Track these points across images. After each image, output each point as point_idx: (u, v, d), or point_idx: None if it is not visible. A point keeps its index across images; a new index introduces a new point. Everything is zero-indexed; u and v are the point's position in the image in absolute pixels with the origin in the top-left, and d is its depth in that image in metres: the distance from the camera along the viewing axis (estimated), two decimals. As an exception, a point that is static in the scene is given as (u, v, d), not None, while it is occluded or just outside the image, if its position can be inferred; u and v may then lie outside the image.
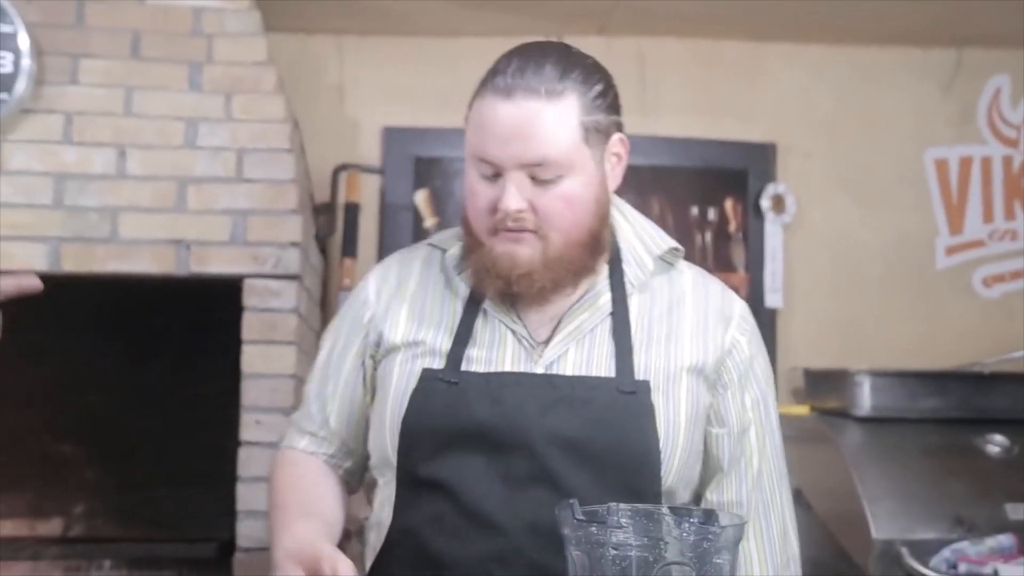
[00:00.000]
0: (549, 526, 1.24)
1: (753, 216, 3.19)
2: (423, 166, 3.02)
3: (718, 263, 3.16)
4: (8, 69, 2.46)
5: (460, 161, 2.97)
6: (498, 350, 1.41)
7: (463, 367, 1.40)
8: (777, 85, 3.23)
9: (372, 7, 2.92)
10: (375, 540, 1.44)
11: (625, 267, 1.46)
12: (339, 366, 1.54)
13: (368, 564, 1.46)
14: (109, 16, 2.60)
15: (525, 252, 1.34)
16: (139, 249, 2.49)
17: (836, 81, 3.24)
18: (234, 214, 2.51)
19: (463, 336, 1.42)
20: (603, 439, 1.36)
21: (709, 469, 1.46)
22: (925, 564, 2.30)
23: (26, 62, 2.46)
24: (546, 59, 1.34)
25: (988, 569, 2.29)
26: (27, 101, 2.48)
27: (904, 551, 2.33)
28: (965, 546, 2.32)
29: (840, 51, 3.22)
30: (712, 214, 3.20)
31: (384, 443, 1.43)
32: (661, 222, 2.93)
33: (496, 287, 1.37)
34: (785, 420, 2.75)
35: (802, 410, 2.88)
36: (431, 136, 3.04)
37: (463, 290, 1.45)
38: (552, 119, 1.30)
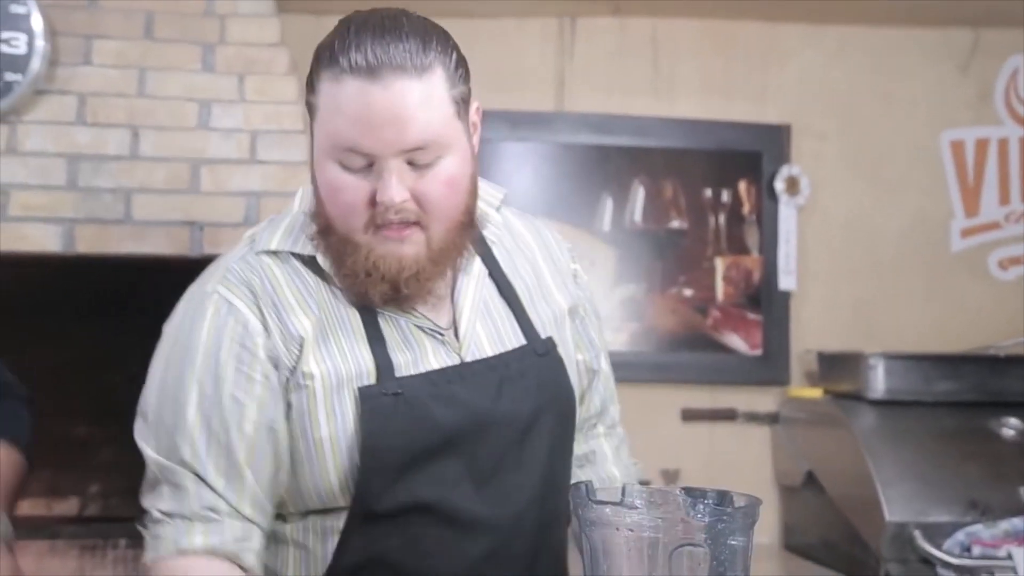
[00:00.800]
0: (532, 513, 1.32)
1: (767, 198, 3.16)
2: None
3: (732, 245, 3.16)
4: (22, 50, 2.46)
5: None
6: (417, 349, 1.36)
7: (397, 374, 1.34)
8: (791, 66, 3.21)
9: None
10: (312, 567, 1.37)
11: (483, 229, 1.44)
12: (236, 420, 1.33)
13: None
14: (123, -1, 2.66)
15: (410, 251, 1.29)
16: (153, 230, 2.48)
17: (851, 62, 3.22)
18: (248, 195, 2.51)
19: (378, 344, 1.35)
20: (544, 404, 1.37)
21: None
22: (938, 547, 2.32)
23: (40, 43, 2.45)
24: (401, 30, 1.25)
25: (1002, 552, 2.29)
26: (41, 82, 2.48)
27: (917, 534, 2.34)
28: (979, 529, 2.34)
29: (855, 32, 3.20)
30: (726, 196, 3.17)
31: (326, 482, 1.33)
32: (675, 204, 3.14)
33: (381, 292, 1.30)
34: (798, 403, 3.11)
35: (815, 393, 2.92)
36: None
37: (346, 296, 1.37)
38: (425, 97, 1.23)
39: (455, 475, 1.32)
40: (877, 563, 2.44)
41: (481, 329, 1.39)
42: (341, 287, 1.35)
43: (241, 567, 1.28)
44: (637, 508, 1.11)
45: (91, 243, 2.47)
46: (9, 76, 2.45)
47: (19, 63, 2.46)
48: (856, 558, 2.55)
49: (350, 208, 1.25)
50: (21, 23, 2.46)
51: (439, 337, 1.35)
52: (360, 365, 1.31)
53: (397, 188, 1.21)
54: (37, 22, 2.45)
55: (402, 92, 1.20)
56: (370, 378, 1.30)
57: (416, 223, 1.26)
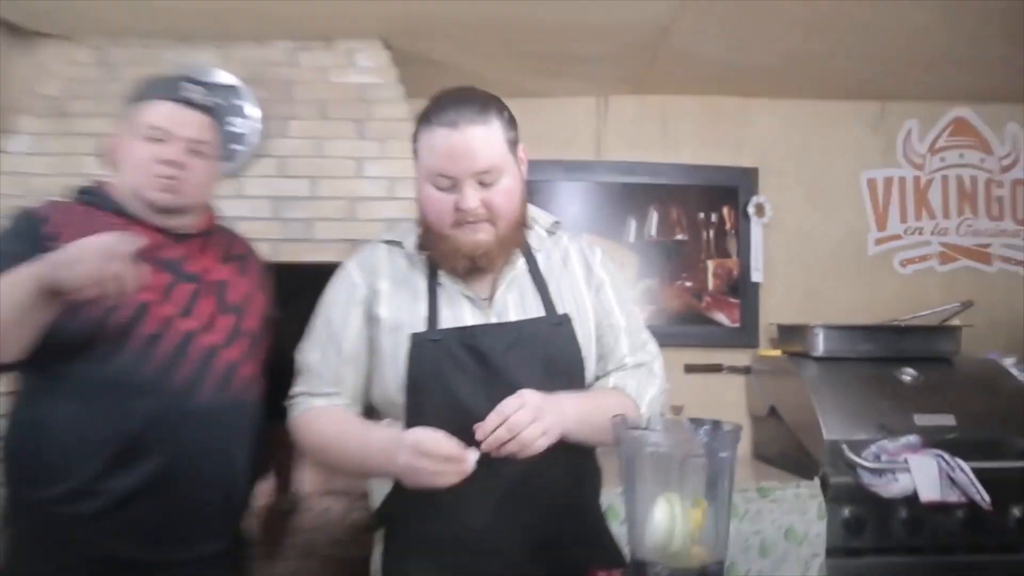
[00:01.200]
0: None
1: (743, 219, 3.28)
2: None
3: (718, 251, 3.27)
4: (244, 130, 2.68)
5: (535, 182, 3.08)
6: (458, 310, 1.46)
7: (439, 326, 1.43)
8: (758, 127, 3.34)
9: (479, 78, 2.68)
10: None
11: (529, 239, 1.53)
12: (342, 337, 1.49)
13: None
14: (307, 92, 2.78)
15: (483, 237, 1.40)
16: (326, 246, 2.66)
17: (799, 124, 3.35)
18: (387, 221, 2.65)
19: (433, 304, 1.45)
20: (548, 359, 1.45)
21: (604, 345, 1.54)
22: (859, 455, 2.50)
23: (255, 125, 2.68)
24: (469, 98, 1.40)
25: (901, 458, 2.46)
26: (256, 149, 2.70)
27: (845, 447, 2.53)
28: (886, 444, 2.50)
29: (802, 103, 3.34)
30: (714, 217, 3.28)
31: (389, 390, 1.46)
32: (678, 224, 3.20)
33: (463, 265, 1.42)
34: (765, 360, 3.16)
35: (776, 353, 3.07)
36: None
37: (423, 271, 1.49)
38: (487, 137, 1.37)
39: (473, 399, 1.39)
40: (817, 467, 2.57)
41: (510, 302, 1.47)
42: (422, 264, 1.49)
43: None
44: (657, 432, 1.24)
45: (288, 255, 2.62)
46: (235, 147, 2.64)
47: (243, 139, 2.67)
48: (803, 464, 2.66)
49: (441, 214, 1.40)
50: (243, 113, 2.67)
51: (477, 303, 1.47)
52: (415, 316, 1.45)
53: (472, 198, 1.37)
54: (253, 111, 2.68)
55: (473, 135, 1.36)
56: (422, 326, 1.44)
57: (487, 220, 1.40)
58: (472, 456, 1.27)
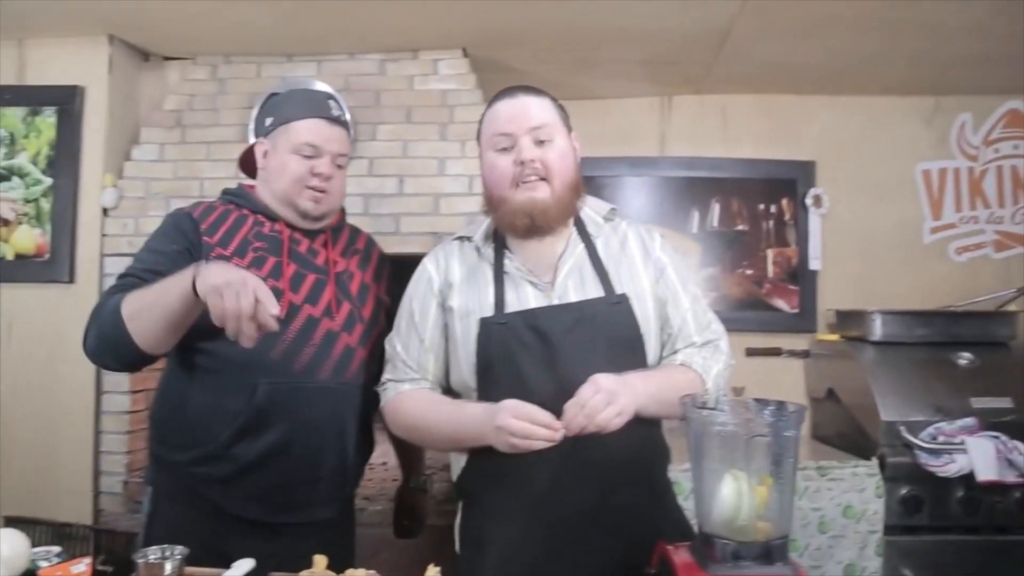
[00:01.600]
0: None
1: (801, 209, 3.22)
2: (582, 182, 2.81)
3: (778, 241, 3.22)
4: None
5: (603, 177, 3.17)
6: (522, 294, 1.45)
7: (505, 311, 1.43)
8: (816, 122, 3.28)
9: (550, 82, 2.78)
10: None
11: (587, 226, 1.52)
12: (423, 326, 1.51)
13: (467, 453, 1.47)
14: (394, 99, 2.82)
15: (541, 194, 1.40)
16: (412, 238, 2.69)
17: (854, 119, 3.26)
18: (467, 215, 2.68)
19: (499, 291, 1.45)
20: (608, 337, 1.42)
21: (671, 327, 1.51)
22: (916, 436, 2.44)
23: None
24: (527, 86, 1.47)
25: (957, 439, 2.40)
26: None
27: (902, 428, 2.46)
28: (943, 425, 2.45)
29: (856, 99, 3.25)
30: (774, 208, 3.23)
31: (463, 374, 1.46)
32: (739, 215, 3.18)
33: (523, 223, 1.42)
34: (823, 344, 3.02)
35: (834, 337, 2.99)
36: (587, 162, 2.49)
37: (490, 261, 1.49)
38: (540, 103, 1.43)
39: (540, 377, 1.39)
40: (876, 447, 2.50)
41: (571, 284, 1.46)
42: (489, 256, 1.49)
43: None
44: (724, 411, 1.19)
45: (413, 248, 2.57)
46: None
47: None
48: (861, 444, 2.60)
49: (502, 173, 1.42)
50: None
51: (539, 287, 1.46)
52: (484, 302, 1.45)
53: (529, 150, 1.39)
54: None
55: (527, 99, 1.42)
56: (490, 311, 1.44)
57: (543, 179, 1.41)
58: (562, 429, 1.27)
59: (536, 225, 1.43)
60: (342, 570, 1.30)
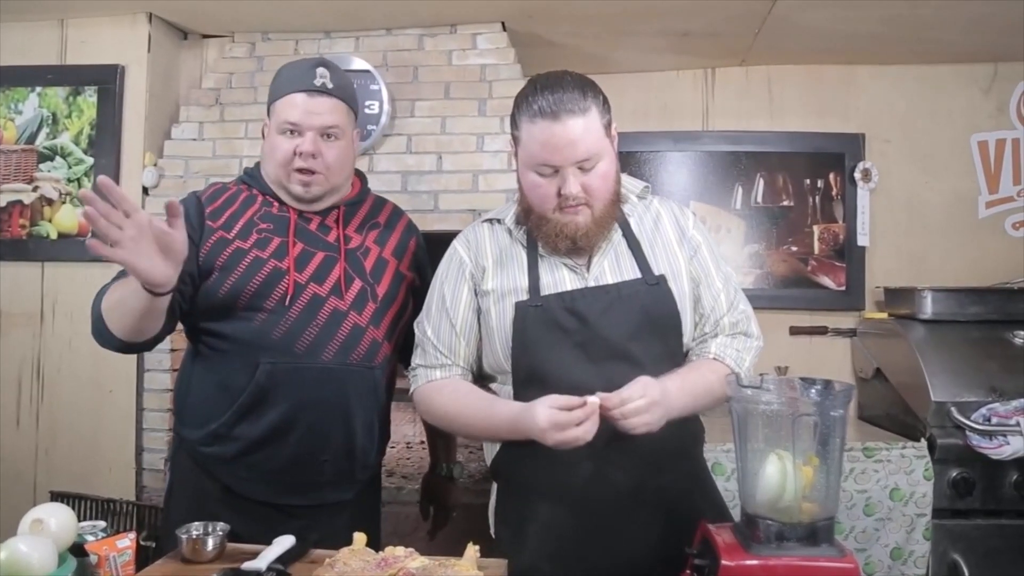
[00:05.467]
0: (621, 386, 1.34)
1: (849, 184, 3.16)
2: (622, 157, 2.69)
3: (824, 217, 3.17)
4: (376, 111, 2.74)
5: (645, 153, 3.16)
6: (558, 277, 1.45)
7: (541, 293, 1.43)
8: (864, 93, 3.21)
9: (590, 56, 3.04)
10: None
11: (621, 206, 1.50)
12: (454, 310, 1.50)
13: None
14: (432, 74, 2.82)
15: (582, 220, 1.40)
16: (451, 215, 2.70)
17: (905, 89, 3.20)
18: (506, 192, 2.65)
19: (534, 274, 1.45)
20: (645, 319, 1.43)
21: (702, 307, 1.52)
22: (968, 418, 2.39)
23: (386, 106, 2.73)
24: (567, 86, 1.37)
25: (1012, 421, 2.34)
26: (386, 129, 2.75)
27: (953, 409, 2.41)
28: (997, 406, 2.39)
29: (907, 68, 3.19)
30: (820, 183, 3.18)
31: (499, 357, 1.46)
32: (784, 190, 3.14)
33: (565, 246, 1.42)
34: (871, 322, 2.97)
35: (883, 315, 2.95)
36: (628, 137, 2.75)
37: (523, 243, 1.49)
38: (586, 127, 1.35)
39: (576, 359, 1.40)
40: (925, 429, 2.47)
41: (606, 265, 1.46)
42: (521, 239, 1.49)
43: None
44: (770, 391, 1.16)
45: (416, 224, 2.54)
46: (370, 127, 2.71)
47: (375, 119, 2.73)
48: (909, 425, 2.57)
49: (544, 198, 1.40)
50: (376, 95, 2.73)
51: (575, 269, 1.46)
52: (518, 285, 1.45)
53: (574, 185, 1.37)
54: (384, 94, 2.73)
55: (573, 126, 1.34)
56: (524, 294, 1.44)
57: (585, 204, 1.39)
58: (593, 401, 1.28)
59: (578, 247, 1.43)
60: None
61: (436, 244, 1.80)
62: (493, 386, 1.51)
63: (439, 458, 1.93)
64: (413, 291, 1.76)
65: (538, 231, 1.44)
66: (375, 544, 1.66)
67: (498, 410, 1.40)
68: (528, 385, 1.41)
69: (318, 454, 1.60)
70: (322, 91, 1.62)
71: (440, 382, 1.51)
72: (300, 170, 1.60)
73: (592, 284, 1.44)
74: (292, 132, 1.61)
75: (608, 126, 1.41)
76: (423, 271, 1.79)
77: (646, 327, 1.42)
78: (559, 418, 1.27)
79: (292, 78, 1.64)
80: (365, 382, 1.63)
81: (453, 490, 1.93)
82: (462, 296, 1.50)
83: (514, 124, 1.42)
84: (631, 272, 1.46)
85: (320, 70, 1.63)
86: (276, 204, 1.67)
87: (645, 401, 1.29)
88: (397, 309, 1.70)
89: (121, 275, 1.52)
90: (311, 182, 1.62)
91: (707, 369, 1.48)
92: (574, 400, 1.27)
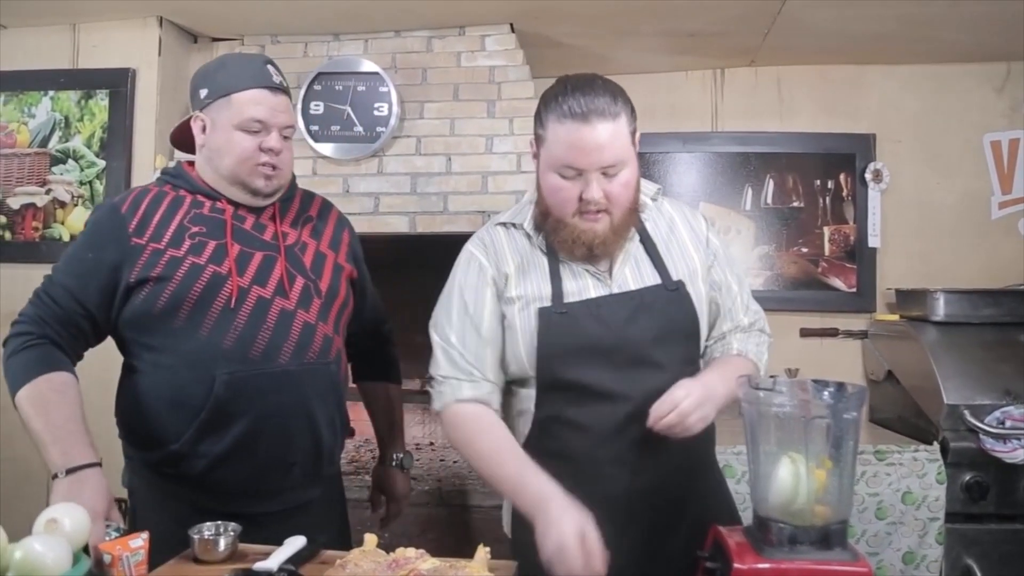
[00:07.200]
0: (653, 392, 1.34)
1: (859, 185, 3.15)
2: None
3: (835, 218, 3.15)
4: (385, 113, 2.73)
5: (654, 154, 3.14)
6: (582, 284, 1.44)
7: (565, 300, 1.42)
8: (874, 93, 3.20)
9: (599, 57, 3.04)
10: (523, 423, 1.47)
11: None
12: (478, 317, 1.45)
13: (523, 437, 1.46)
14: (441, 76, 2.80)
15: (601, 227, 1.38)
16: (460, 217, 2.69)
17: (916, 88, 3.18)
18: (515, 193, 2.66)
19: (556, 280, 1.43)
20: (667, 324, 1.43)
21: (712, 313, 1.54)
22: (981, 421, 2.37)
23: (395, 108, 2.71)
24: (598, 89, 1.35)
25: None
26: (395, 130, 2.74)
27: (966, 412, 2.39)
28: (1011, 409, 2.38)
29: (919, 68, 3.17)
30: (831, 184, 3.17)
31: (523, 364, 1.43)
32: (794, 191, 3.13)
33: (581, 253, 1.41)
34: (882, 324, 2.95)
35: (894, 318, 2.94)
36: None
37: (542, 248, 1.46)
38: (615, 133, 1.33)
39: (601, 365, 1.39)
40: (937, 432, 2.44)
41: (628, 272, 1.46)
42: (542, 243, 1.46)
43: (492, 411, 1.44)
44: (782, 393, 1.16)
45: (425, 226, 2.69)
46: (379, 129, 2.71)
47: (384, 121, 2.72)
48: (921, 428, 2.55)
49: (565, 202, 1.38)
50: (385, 97, 2.72)
51: (598, 276, 1.45)
52: (542, 292, 1.43)
53: (596, 190, 1.35)
54: (393, 96, 2.72)
55: (603, 130, 1.32)
56: (548, 301, 1.42)
57: (605, 211, 1.37)
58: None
59: (594, 254, 1.42)
60: (342, 549, 1.32)
61: (445, 246, 1.78)
62: (516, 390, 1.49)
63: (389, 446, 1.92)
64: (352, 283, 1.74)
65: (555, 235, 1.42)
66: (345, 538, 1.68)
67: (528, 481, 1.32)
68: (552, 391, 1.41)
69: (288, 458, 1.57)
70: (280, 89, 1.60)
71: (469, 408, 1.43)
72: (265, 164, 1.56)
73: (616, 291, 1.43)
74: (256, 130, 1.56)
75: (633, 134, 1.40)
76: (359, 263, 1.80)
77: (668, 333, 1.43)
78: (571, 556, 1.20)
79: (247, 74, 1.58)
80: (324, 379, 1.61)
81: (402, 480, 1.91)
82: (486, 302, 1.46)
83: (539, 123, 1.39)
84: (651, 278, 1.46)
85: (271, 68, 1.61)
86: (208, 203, 1.60)
87: (692, 399, 1.30)
88: (341, 302, 1.68)
89: (40, 304, 1.53)
90: (274, 175, 1.59)
91: (739, 363, 1.50)
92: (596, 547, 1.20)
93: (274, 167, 1.58)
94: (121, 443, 1.64)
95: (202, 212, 1.59)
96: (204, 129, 1.60)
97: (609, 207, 1.37)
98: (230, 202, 1.61)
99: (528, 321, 1.43)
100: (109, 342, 1.63)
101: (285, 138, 1.60)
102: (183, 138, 1.69)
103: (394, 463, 1.91)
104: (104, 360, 1.68)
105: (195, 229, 1.56)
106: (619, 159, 1.35)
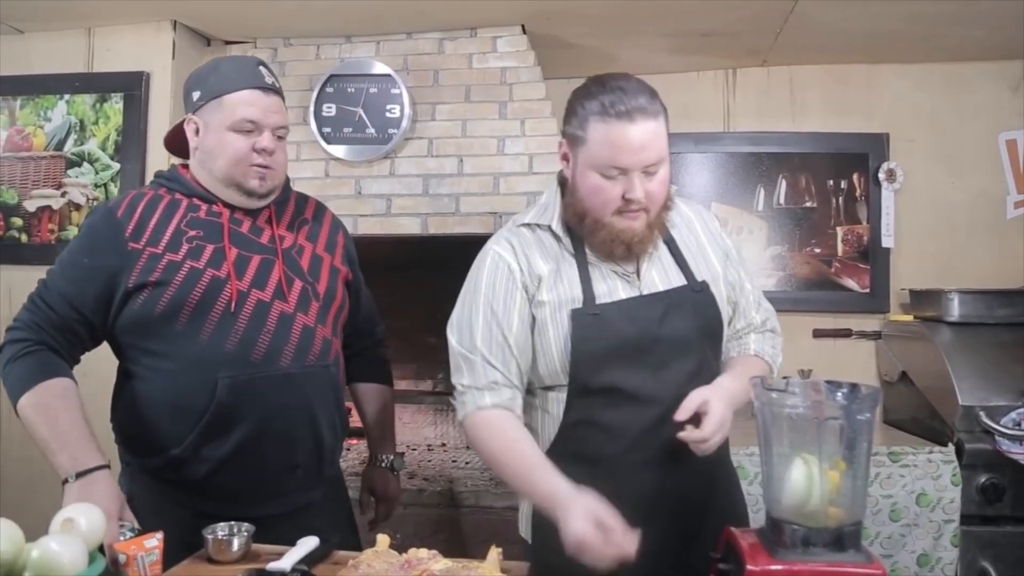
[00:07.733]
0: (682, 395, 1.36)
1: (873, 185, 3.14)
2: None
3: (848, 218, 3.15)
4: (397, 115, 2.74)
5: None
6: (612, 285, 1.43)
7: (596, 302, 1.41)
8: (888, 92, 3.19)
9: (610, 57, 3.05)
10: (550, 427, 1.45)
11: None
12: (507, 322, 1.42)
13: (548, 442, 1.45)
14: (453, 78, 2.81)
15: (639, 225, 1.37)
16: (472, 218, 2.70)
17: (930, 88, 3.16)
18: (527, 194, 2.67)
19: (587, 282, 1.42)
20: (699, 324, 1.44)
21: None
22: (996, 422, 2.35)
23: (407, 110, 2.73)
24: (635, 87, 1.34)
25: None
26: (408, 132, 2.76)
27: (981, 413, 2.38)
28: None
29: (932, 67, 3.15)
30: (844, 184, 3.16)
31: (555, 367, 1.42)
32: (807, 191, 3.13)
33: (620, 252, 1.40)
34: (896, 325, 2.95)
35: (908, 318, 2.94)
36: None
37: (570, 250, 1.45)
38: (657, 131, 1.34)
39: (634, 367, 1.39)
40: (952, 434, 2.43)
41: (655, 274, 1.46)
42: (569, 246, 1.45)
43: (513, 415, 1.42)
44: (795, 394, 1.14)
45: (437, 227, 2.71)
46: (391, 130, 2.73)
47: (396, 123, 2.74)
48: (936, 429, 2.54)
49: (607, 203, 1.36)
50: (397, 99, 2.74)
51: (627, 278, 1.45)
52: (574, 294, 1.41)
53: (640, 189, 1.34)
54: (405, 98, 2.73)
55: (647, 129, 1.32)
56: (580, 303, 1.41)
57: (644, 209, 1.37)
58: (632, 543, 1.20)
59: (632, 252, 1.42)
60: (349, 549, 1.32)
61: (457, 248, 1.77)
62: (543, 393, 1.47)
63: (380, 447, 1.91)
64: (347, 285, 1.75)
65: (592, 236, 1.41)
66: (352, 536, 1.68)
67: (539, 479, 1.32)
68: (584, 395, 1.40)
69: (290, 460, 1.57)
70: (273, 90, 1.60)
71: (489, 414, 1.41)
72: (258, 165, 1.56)
73: (645, 292, 1.43)
74: (249, 131, 1.56)
75: (668, 133, 1.40)
76: (354, 265, 1.80)
77: (698, 333, 1.44)
78: (590, 539, 1.20)
79: (239, 75, 1.58)
80: (325, 381, 1.61)
81: (393, 481, 1.91)
82: (515, 306, 1.43)
83: (576, 123, 1.36)
84: (677, 279, 1.46)
85: (263, 69, 1.61)
86: (204, 207, 1.60)
87: (717, 417, 1.32)
88: (338, 305, 1.69)
89: (33, 309, 1.53)
90: (268, 176, 1.59)
91: (752, 364, 1.53)
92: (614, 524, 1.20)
93: (268, 167, 1.58)
94: (117, 449, 1.63)
95: (199, 216, 1.59)
96: (197, 132, 1.60)
97: (648, 205, 1.37)
98: (226, 205, 1.61)
99: (561, 324, 1.41)
100: (100, 348, 1.62)
101: (279, 138, 1.60)
102: (177, 142, 1.69)
103: (384, 464, 1.90)
104: (96, 365, 1.67)
105: (192, 233, 1.56)
106: (661, 157, 1.35)
